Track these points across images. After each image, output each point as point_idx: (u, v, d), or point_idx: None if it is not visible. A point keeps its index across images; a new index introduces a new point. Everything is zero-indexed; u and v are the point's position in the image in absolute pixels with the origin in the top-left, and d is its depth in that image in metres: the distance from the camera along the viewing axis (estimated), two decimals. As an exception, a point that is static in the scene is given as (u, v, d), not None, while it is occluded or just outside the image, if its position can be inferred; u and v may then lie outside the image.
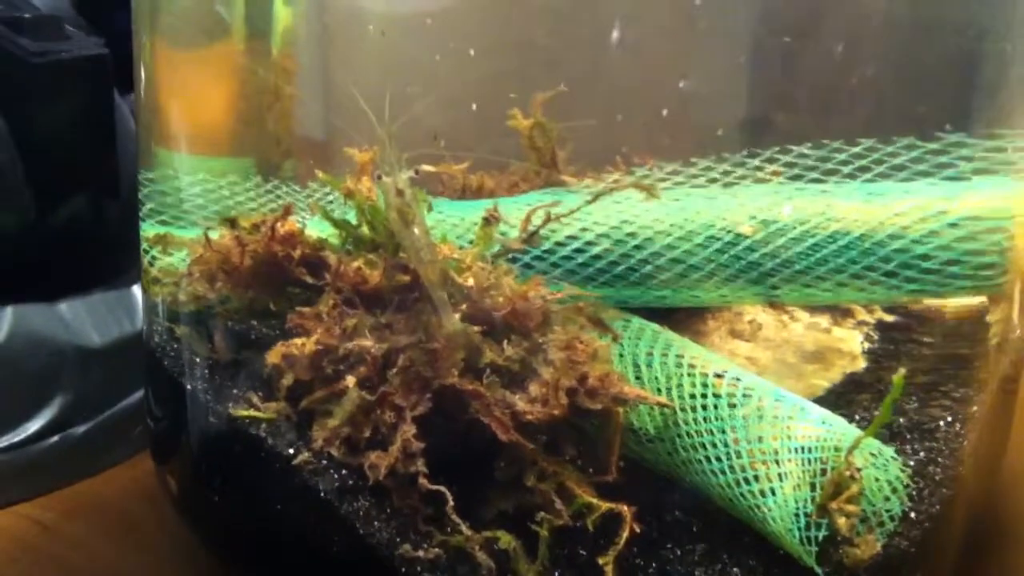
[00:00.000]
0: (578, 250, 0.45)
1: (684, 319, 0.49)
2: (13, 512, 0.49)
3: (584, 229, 0.45)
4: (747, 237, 0.45)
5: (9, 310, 0.50)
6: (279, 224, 0.38)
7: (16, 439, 0.50)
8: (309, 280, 0.39)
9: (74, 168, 0.53)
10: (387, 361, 0.37)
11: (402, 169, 0.37)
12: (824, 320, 0.53)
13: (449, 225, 0.42)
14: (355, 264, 0.38)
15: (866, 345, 0.51)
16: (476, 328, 0.38)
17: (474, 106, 0.46)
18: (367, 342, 0.37)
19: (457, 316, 0.38)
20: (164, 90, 0.43)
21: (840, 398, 0.46)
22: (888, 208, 0.45)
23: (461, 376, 0.37)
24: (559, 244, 0.45)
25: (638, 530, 0.37)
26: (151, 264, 0.43)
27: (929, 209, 0.45)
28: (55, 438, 0.51)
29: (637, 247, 0.45)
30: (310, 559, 0.38)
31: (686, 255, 0.45)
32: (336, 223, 0.39)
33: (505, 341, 0.39)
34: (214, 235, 0.40)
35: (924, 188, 0.45)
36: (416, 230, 0.37)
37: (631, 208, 0.46)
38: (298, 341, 0.38)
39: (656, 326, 0.45)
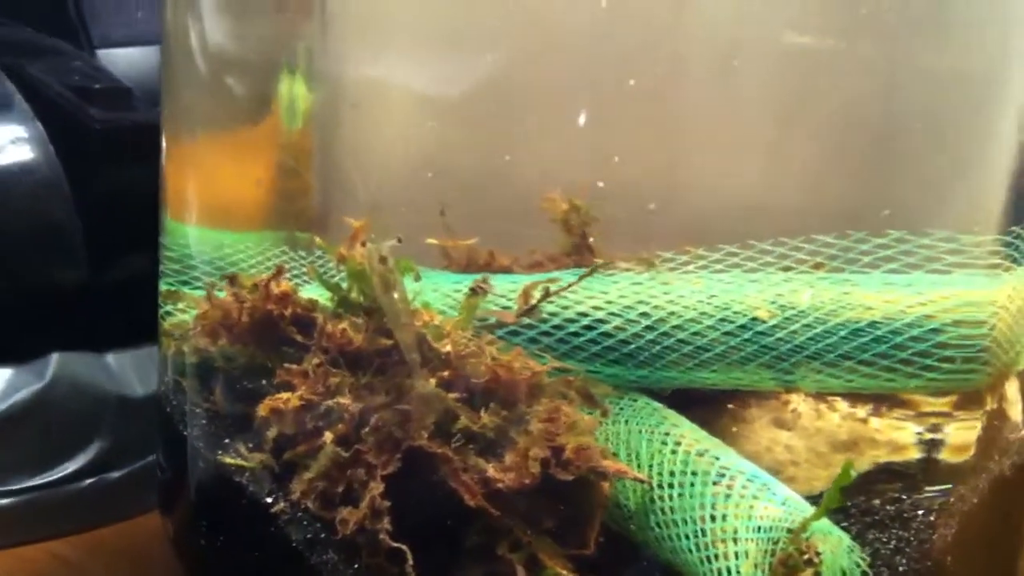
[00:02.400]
0: (587, 327, 0.47)
1: (729, 407, 0.51)
2: (42, 548, 0.54)
3: (596, 307, 0.48)
4: (763, 321, 0.47)
5: (55, 356, 0.56)
6: (273, 283, 0.42)
7: (52, 478, 0.55)
8: (299, 339, 0.42)
9: (130, 229, 0.59)
10: (363, 420, 0.41)
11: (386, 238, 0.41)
12: (863, 410, 0.53)
13: (441, 295, 0.45)
14: (341, 326, 0.42)
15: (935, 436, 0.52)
16: (454, 394, 0.41)
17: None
18: (345, 400, 0.41)
19: (433, 381, 0.41)
20: (181, 161, 0.48)
21: (861, 487, 0.47)
22: (910, 297, 0.47)
23: (432, 439, 0.40)
24: (568, 320, 0.48)
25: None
26: (163, 319, 0.48)
27: (957, 299, 0.46)
28: (90, 481, 0.56)
29: (648, 327, 0.47)
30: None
31: (696, 336, 0.47)
32: (328, 286, 0.42)
33: (483, 409, 0.41)
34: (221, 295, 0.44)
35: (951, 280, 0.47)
36: (395, 295, 0.41)
37: (647, 288, 0.48)
38: (284, 396, 0.42)
39: (659, 405, 0.47)
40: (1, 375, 0.55)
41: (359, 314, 0.42)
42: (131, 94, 0.63)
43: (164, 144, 0.49)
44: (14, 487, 0.55)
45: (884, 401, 0.51)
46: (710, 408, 0.48)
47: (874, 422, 0.54)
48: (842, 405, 0.51)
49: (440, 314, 0.44)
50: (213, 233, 0.48)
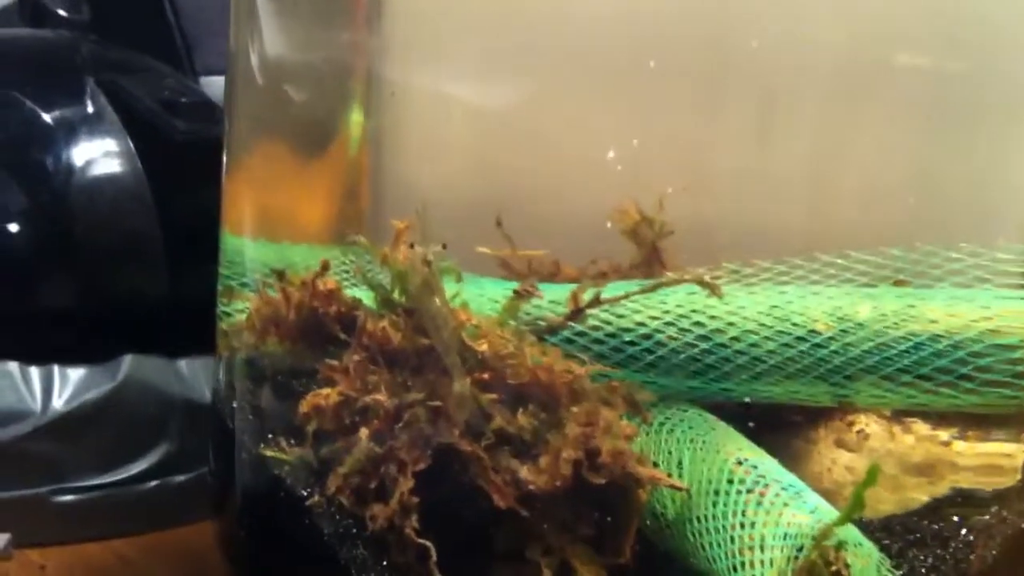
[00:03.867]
0: (643, 336, 0.48)
1: (798, 427, 0.51)
2: (104, 546, 0.58)
3: (653, 317, 0.49)
4: (820, 334, 0.48)
5: (128, 358, 0.60)
6: (318, 280, 0.45)
7: (116, 478, 0.59)
8: (342, 336, 0.45)
9: (210, 240, 0.62)
10: (398, 416, 0.43)
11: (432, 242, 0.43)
12: (946, 433, 0.53)
13: (486, 300, 0.47)
14: (381, 324, 0.44)
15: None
16: (491, 395, 0.43)
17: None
18: (381, 396, 0.43)
19: (468, 381, 0.42)
20: (238, 176, 0.52)
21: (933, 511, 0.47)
22: (976, 311, 0.47)
23: (464, 439, 0.42)
24: (623, 329, 0.49)
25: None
26: (220, 319, 0.51)
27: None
28: (153, 483, 0.60)
29: (704, 337, 0.48)
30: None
31: (753, 348, 0.48)
32: (371, 285, 0.45)
33: (521, 410, 0.43)
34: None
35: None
36: (436, 299, 0.43)
37: (703, 299, 0.49)
38: (324, 391, 0.44)
39: (711, 416, 0.48)
40: (74, 374, 0.59)
41: (400, 313, 0.44)
42: (216, 108, 0.67)
43: (225, 160, 0.54)
44: (80, 484, 0.59)
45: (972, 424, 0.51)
46: (779, 427, 0.49)
47: (958, 445, 0.54)
48: (921, 427, 0.51)
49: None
50: (266, 244, 0.52)
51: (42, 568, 0.55)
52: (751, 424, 0.47)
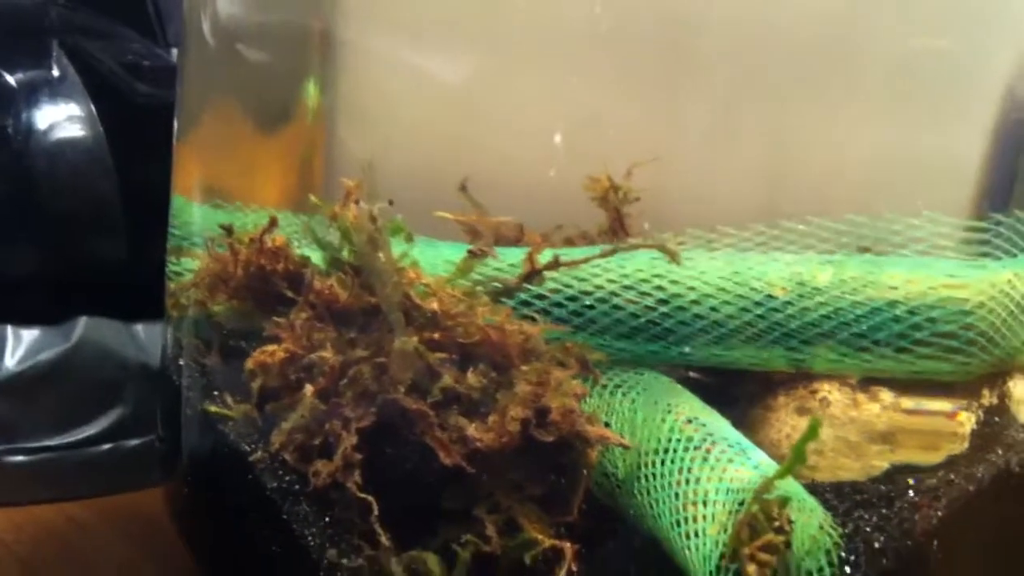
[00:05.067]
0: (601, 300, 0.49)
1: (757, 393, 0.52)
2: (55, 508, 0.58)
3: (611, 280, 0.50)
4: (777, 298, 0.48)
5: (83, 319, 0.61)
6: (266, 237, 0.45)
7: (69, 440, 0.60)
8: (290, 294, 0.45)
9: (169, 203, 0.63)
10: (344, 373, 0.43)
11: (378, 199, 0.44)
12: (911, 402, 0.54)
13: (441, 261, 0.48)
14: (328, 282, 0.44)
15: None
16: (442, 354, 0.43)
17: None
18: (327, 353, 0.43)
19: (415, 339, 0.43)
20: (188, 138, 0.53)
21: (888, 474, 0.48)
22: (933, 279, 0.47)
23: (410, 396, 0.42)
24: (584, 292, 0.50)
25: (575, 569, 0.40)
26: (169, 280, 0.52)
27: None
28: (107, 446, 0.61)
29: (662, 301, 0.48)
30: (253, 551, 0.44)
31: (712, 312, 0.48)
32: (320, 243, 0.45)
33: (471, 369, 0.43)
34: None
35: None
36: (381, 255, 0.43)
37: (662, 263, 0.50)
38: (270, 348, 0.44)
39: (667, 379, 0.48)
40: (27, 334, 0.60)
41: (348, 271, 0.45)
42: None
43: (176, 122, 0.55)
44: (32, 445, 0.59)
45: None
46: (738, 393, 0.49)
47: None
48: (886, 395, 0.52)
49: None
50: (215, 208, 0.53)
51: (-11, 528, 0.56)
52: (709, 389, 0.48)
